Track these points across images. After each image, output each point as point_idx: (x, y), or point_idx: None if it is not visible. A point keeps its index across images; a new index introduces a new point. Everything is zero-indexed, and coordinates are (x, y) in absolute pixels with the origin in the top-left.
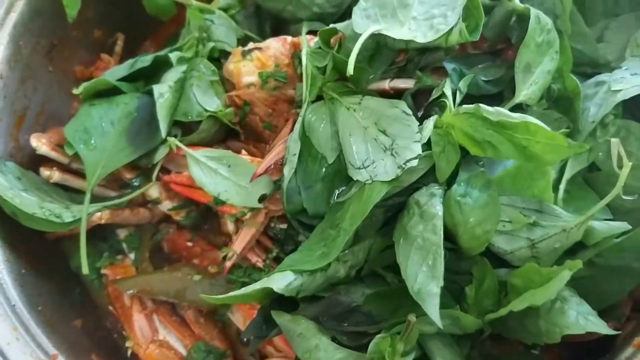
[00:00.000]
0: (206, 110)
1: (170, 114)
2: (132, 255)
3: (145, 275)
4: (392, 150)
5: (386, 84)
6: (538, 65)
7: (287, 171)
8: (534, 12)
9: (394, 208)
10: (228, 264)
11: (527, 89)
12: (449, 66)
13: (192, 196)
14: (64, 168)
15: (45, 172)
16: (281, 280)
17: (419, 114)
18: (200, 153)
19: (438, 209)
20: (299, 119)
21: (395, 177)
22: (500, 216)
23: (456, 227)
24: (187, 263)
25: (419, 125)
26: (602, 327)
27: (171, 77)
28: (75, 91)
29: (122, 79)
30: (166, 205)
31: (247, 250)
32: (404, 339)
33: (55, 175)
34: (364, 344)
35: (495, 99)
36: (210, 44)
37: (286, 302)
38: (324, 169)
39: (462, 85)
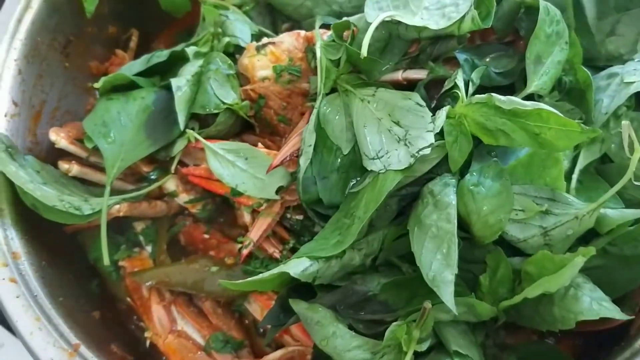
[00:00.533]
0: (223, 103)
1: (188, 106)
2: (149, 248)
3: (163, 267)
4: (406, 141)
5: (399, 75)
6: (548, 56)
7: (303, 162)
8: (542, 3)
9: (408, 198)
10: (245, 251)
11: (539, 80)
12: (461, 57)
13: (210, 188)
14: (82, 162)
15: (64, 165)
16: (298, 266)
17: (432, 105)
18: (217, 146)
19: (452, 198)
20: (314, 111)
21: (408, 166)
22: (513, 205)
23: (469, 216)
24: (204, 255)
25: (432, 116)
26: (616, 312)
27: (188, 70)
28: (95, 85)
29: (139, 74)
30: (183, 198)
31: (263, 239)
32: (419, 326)
33: (74, 169)
34: (380, 331)
35: (507, 90)
36: (226, 39)
37: (303, 291)
38: (339, 160)
39: (475, 76)
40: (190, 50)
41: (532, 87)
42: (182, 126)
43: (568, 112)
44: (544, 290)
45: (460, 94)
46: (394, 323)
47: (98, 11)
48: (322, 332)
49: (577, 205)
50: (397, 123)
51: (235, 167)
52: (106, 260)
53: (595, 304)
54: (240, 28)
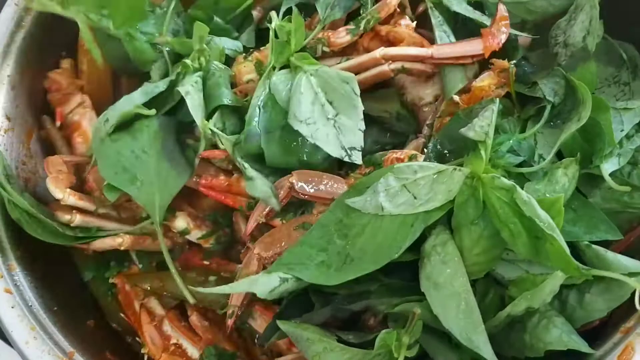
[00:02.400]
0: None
1: (202, 109)
2: (140, 265)
3: (159, 273)
4: (335, 123)
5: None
6: None
7: (250, 113)
8: None
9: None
10: (229, 322)
11: None
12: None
13: (224, 201)
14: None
15: (65, 216)
16: (266, 284)
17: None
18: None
19: (457, 253)
20: (267, 81)
21: (340, 158)
22: (505, 246)
23: (461, 251)
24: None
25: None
26: (582, 346)
27: (188, 80)
28: (108, 130)
29: None
30: (195, 235)
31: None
32: (409, 332)
33: (77, 219)
34: (369, 340)
35: None
36: (220, 46)
37: (303, 301)
38: (284, 120)
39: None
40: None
41: None
42: (199, 122)
43: None
44: (527, 304)
45: (483, 156)
46: (384, 330)
47: None
48: (313, 348)
49: None
50: (331, 103)
51: None
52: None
53: (564, 336)
54: (226, 41)
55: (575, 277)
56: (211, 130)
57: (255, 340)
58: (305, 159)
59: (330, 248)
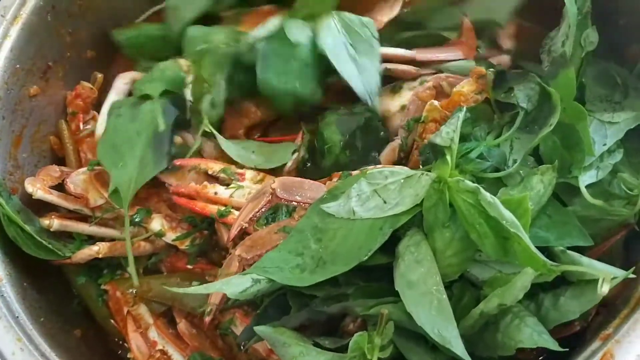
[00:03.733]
0: None
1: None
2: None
3: (146, 277)
4: (356, 64)
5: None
6: None
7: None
8: None
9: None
10: (207, 319)
11: None
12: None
13: (195, 209)
14: (62, 213)
15: (44, 221)
16: (238, 285)
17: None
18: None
19: (429, 253)
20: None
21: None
22: (476, 248)
23: (435, 253)
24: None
25: None
26: (551, 344)
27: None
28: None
29: None
30: (170, 237)
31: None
32: (380, 333)
33: (55, 224)
34: (345, 345)
35: None
36: None
37: (282, 304)
38: (284, 48)
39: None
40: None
41: None
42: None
43: None
44: (499, 301)
45: (449, 161)
46: (357, 334)
47: (76, 36)
48: (290, 351)
49: None
50: (352, 45)
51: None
52: (135, 281)
53: (535, 335)
54: None
55: (546, 275)
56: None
57: (241, 347)
58: (297, 87)
59: (305, 252)
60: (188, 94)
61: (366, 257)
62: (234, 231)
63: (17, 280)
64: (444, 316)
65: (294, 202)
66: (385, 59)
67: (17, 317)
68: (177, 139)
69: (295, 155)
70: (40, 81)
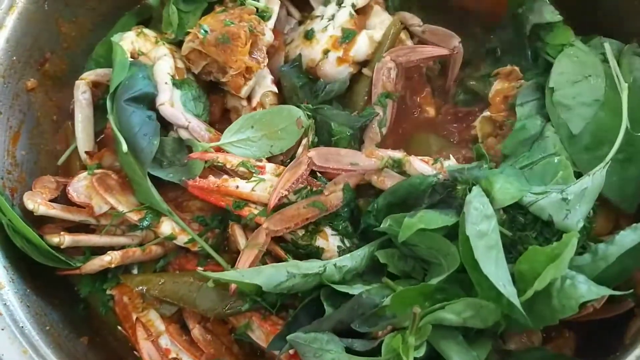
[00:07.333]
0: None
1: None
2: (135, 271)
3: (157, 274)
4: None
5: None
6: None
7: None
8: None
9: None
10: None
11: None
12: None
13: (212, 200)
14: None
15: (54, 239)
16: (271, 277)
17: None
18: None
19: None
20: None
21: None
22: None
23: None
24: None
25: None
26: (612, 292)
27: None
28: None
29: None
30: (182, 240)
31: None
32: (413, 333)
33: (67, 240)
34: (375, 348)
35: None
36: None
37: (314, 308)
38: None
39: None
40: None
41: None
42: None
43: None
44: (552, 276)
45: None
46: (388, 335)
47: (74, 25)
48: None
49: None
50: None
51: (247, 141)
52: None
53: (593, 287)
54: None
55: None
56: None
57: (258, 353)
58: None
59: None
60: None
61: None
62: (274, 200)
63: (20, 287)
64: (504, 272)
65: (330, 169)
66: None
67: (22, 327)
68: (183, 133)
69: (305, 140)
70: (37, 74)
